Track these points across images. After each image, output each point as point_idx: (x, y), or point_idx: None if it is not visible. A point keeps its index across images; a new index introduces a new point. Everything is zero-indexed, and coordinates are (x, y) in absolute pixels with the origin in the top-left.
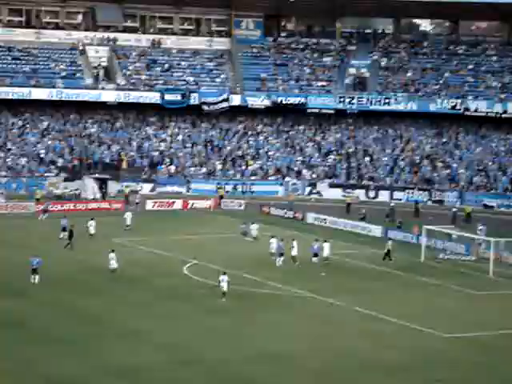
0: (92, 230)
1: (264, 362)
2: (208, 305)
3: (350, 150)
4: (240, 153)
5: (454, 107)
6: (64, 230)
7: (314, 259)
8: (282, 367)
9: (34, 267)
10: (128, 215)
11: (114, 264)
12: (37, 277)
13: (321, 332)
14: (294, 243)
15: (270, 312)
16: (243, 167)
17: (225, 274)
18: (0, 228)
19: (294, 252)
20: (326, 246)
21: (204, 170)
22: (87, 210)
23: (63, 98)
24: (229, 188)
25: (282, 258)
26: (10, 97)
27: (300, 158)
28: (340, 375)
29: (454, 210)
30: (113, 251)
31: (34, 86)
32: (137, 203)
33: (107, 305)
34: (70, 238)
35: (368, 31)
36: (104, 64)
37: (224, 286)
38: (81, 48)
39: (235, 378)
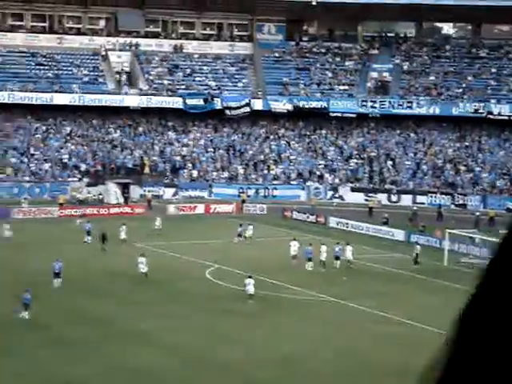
0: (123, 235)
1: (279, 366)
2: (227, 309)
3: (372, 154)
4: (262, 157)
5: (476, 111)
6: (88, 233)
7: (336, 262)
8: (296, 371)
9: (57, 271)
10: (158, 220)
11: (143, 268)
12: (59, 280)
13: (341, 336)
14: (323, 248)
15: (289, 316)
16: (265, 171)
17: (250, 277)
18: (24, 232)
19: (323, 257)
20: (348, 249)
21: (226, 174)
22: (110, 215)
23: (86, 103)
24: (251, 192)
25: (311, 263)
26: (33, 102)
27: (322, 162)
28: (357, 379)
29: (477, 213)
30: (142, 255)
31: (57, 92)
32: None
33: (125, 308)
34: (104, 242)
35: (390, 35)
36: (126, 69)
37: (250, 289)
38: (103, 53)
39: (247, 381)
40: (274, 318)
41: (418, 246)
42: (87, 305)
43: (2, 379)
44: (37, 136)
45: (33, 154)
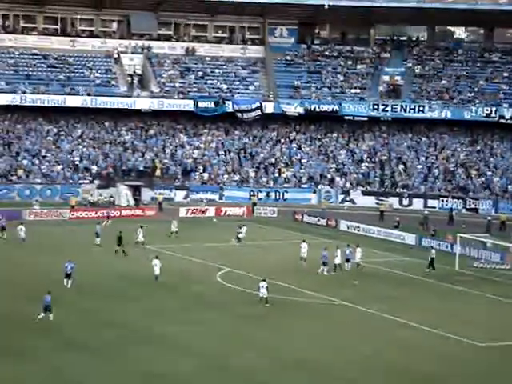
0: (141, 238)
1: (292, 371)
2: (238, 312)
3: (384, 158)
4: (273, 160)
5: (488, 115)
6: (97, 235)
7: (347, 265)
8: (308, 374)
9: (68, 272)
10: (174, 223)
11: (156, 270)
12: (69, 281)
13: (351, 340)
14: (338, 252)
15: (300, 319)
16: (276, 175)
17: (264, 280)
18: (35, 234)
19: (338, 260)
20: (358, 251)
21: (237, 177)
22: (121, 217)
23: (98, 106)
24: (262, 195)
25: (325, 268)
26: (45, 104)
27: (333, 166)
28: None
29: (489, 218)
30: (156, 257)
31: (69, 94)
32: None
33: (135, 311)
34: (120, 245)
35: (402, 39)
36: (138, 72)
37: (264, 292)
38: (115, 56)
39: None
40: (286, 321)
41: (433, 251)
42: (100, 307)
43: (15, 381)
44: (48, 138)
45: (44, 156)
